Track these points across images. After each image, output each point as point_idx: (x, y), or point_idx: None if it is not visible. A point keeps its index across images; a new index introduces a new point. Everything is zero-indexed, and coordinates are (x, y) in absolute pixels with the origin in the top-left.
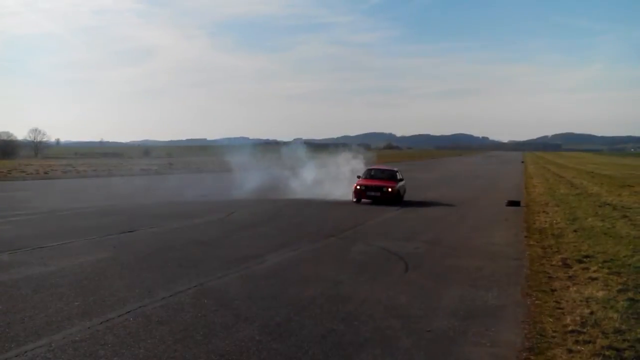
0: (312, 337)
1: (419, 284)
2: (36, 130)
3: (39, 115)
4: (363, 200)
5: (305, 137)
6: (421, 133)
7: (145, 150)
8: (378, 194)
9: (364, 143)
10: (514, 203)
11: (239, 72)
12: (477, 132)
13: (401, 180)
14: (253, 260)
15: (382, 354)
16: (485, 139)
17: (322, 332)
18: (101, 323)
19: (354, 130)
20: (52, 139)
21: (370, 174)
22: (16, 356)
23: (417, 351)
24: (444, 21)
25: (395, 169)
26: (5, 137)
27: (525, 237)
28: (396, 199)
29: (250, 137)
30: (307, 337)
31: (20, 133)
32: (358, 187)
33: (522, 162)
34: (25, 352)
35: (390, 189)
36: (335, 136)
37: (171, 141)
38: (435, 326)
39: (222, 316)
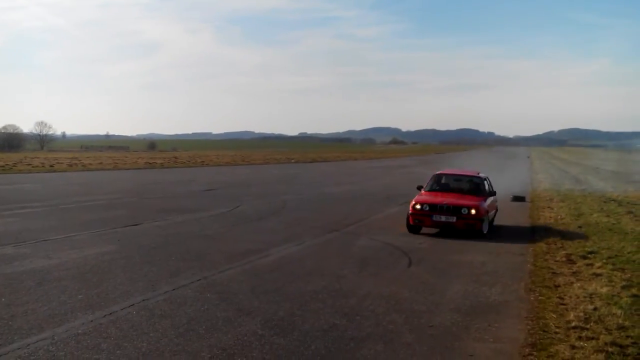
0: (315, 331)
1: (422, 279)
2: (42, 123)
3: (45, 108)
4: (425, 228)
5: (310, 131)
6: (426, 128)
7: (150, 143)
8: (453, 219)
9: (369, 137)
10: (519, 198)
11: (244, 66)
12: (483, 127)
13: (491, 194)
14: (256, 254)
15: (385, 349)
16: (491, 134)
17: (324, 326)
18: (104, 316)
19: (359, 125)
20: (58, 132)
21: (439, 184)
22: (19, 348)
23: (420, 346)
24: (449, 16)
25: (482, 175)
26: (11, 130)
27: (530, 232)
28: (482, 228)
29: (256, 132)
30: (310, 331)
31: (26, 126)
32: (418, 206)
33: (528, 157)
34: (28, 344)
35: (473, 211)
36: (340, 130)
37: (177, 135)
38: (438, 321)
39: (225, 310)
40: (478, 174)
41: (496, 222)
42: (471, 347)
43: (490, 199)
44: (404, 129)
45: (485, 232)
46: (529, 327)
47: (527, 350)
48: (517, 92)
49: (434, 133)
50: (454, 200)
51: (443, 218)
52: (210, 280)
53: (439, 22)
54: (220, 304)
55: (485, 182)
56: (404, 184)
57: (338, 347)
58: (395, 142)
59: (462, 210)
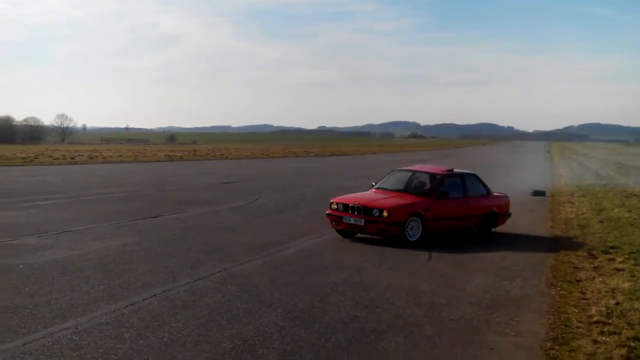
0: (335, 323)
1: (441, 273)
2: (63, 115)
3: (66, 101)
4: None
5: (329, 125)
6: (445, 122)
7: (170, 136)
8: (361, 222)
9: (388, 131)
10: (539, 193)
11: (261, 60)
12: (502, 121)
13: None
14: (276, 246)
15: (405, 342)
16: (510, 128)
17: (345, 318)
18: (126, 306)
19: (377, 119)
20: (79, 125)
21: (392, 181)
22: (42, 337)
23: (440, 339)
24: (469, 10)
25: (458, 171)
26: (32, 123)
27: (551, 227)
28: (401, 234)
29: (274, 125)
30: (330, 323)
31: (47, 118)
32: (334, 205)
33: (548, 151)
34: (52, 333)
35: (385, 213)
36: (359, 124)
37: (195, 128)
38: (458, 315)
39: (246, 302)
40: (445, 170)
41: (519, 216)
42: (492, 341)
43: (454, 201)
44: (422, 123)
45: (412, 240)
46: (550, 321)
47: (548, 344)
48: (536, 86)
49: (452, 127)
50: (368, 200)
51: (352, 220)
52: (230, 272)
53: (458, 16)
54: (241, 296)
55: (449, 179)
56: None
57: (359, 339)
58: (414, 136)
59: (374, 212)
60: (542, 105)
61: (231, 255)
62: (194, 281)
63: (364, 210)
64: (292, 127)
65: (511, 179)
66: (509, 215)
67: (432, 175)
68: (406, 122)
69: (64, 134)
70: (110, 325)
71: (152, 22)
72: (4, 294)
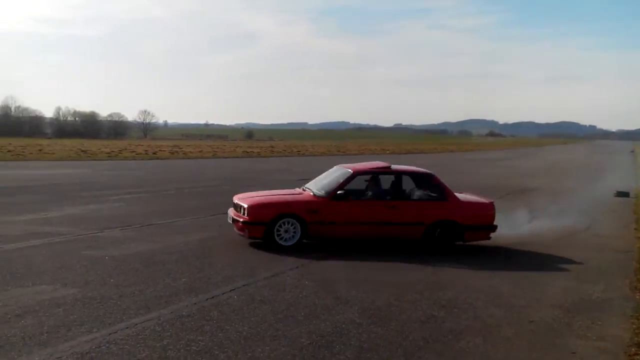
0: (412, 322)
1: (520, 274)
2: (145, 111)
3: (148, 97)
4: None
5: (404, 122)
6: (524, 120)
7: (248, 132)
8: (230, 220)
9: (465, 130)
10: (623, 194)
11: (339, 57)
12: (584, 120)
13: (340, 192)
14: (351, 244)
15: (484, 343)
16: (592, 127)
17: (422, 317)
18: (207, 299)
19: (454, 117)
20: (160, 121)
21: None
22: (127, 328)
23: (520, 341)
24: (549, 6)
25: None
26: (116, 118)
27: (635, 229)
28: (260, 236)
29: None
30: (407, 322)
31: (130, 114)
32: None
33: (632, 151)
34: (136, 324)
35: (246, 212)
36: (435, 122)
37: (273, 124)
38: (538, 317)
39: (323, 298)
40: (369, 167)
41: (601, 217)
42: (573, 344)
43: (370, 202)
44: (501, 122)
45: (287, 245)
46: (634, 326)
47: (633, 349)
48: (619, 83)
49: (532, 126)
50: (244, 197)
51: (229, 218)
52: (308, 268)
53: (538, 12)
54: (319, 292)
55: (364, 177)
56: (504, 177)
57: (436, 339)
58: (492, 134)
59: (240, 210)
60: (626, 104)
61: (308, 252)
62: (272, 276)
63: (235, 206)
64: (368, 125)
65: (592, 180)
66: (489, 228)
67: (344, 173)
68: (484, 120)
69: (146, 129)
70: (192, 317)
71: (232, 20)
72: (90, 285)
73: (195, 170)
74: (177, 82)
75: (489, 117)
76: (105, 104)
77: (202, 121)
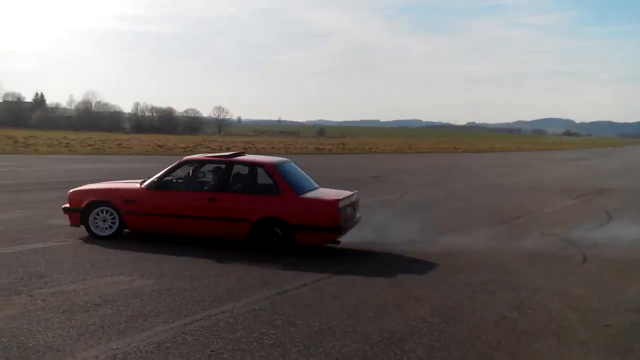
0: (484, 322)
1: (597, 276)
2: (220, 108)
3: (222, 93)
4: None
5: (478, 121)
6: (602, 119)
7: (320, 129)
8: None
9: (540, 128)
10: None
11: (412, 54)
12: None
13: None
14: (423, 242)
15: (558, 345)
16: None
17: (494, 318)
18: (279, 294)
19: (528, 115)
20: (234, 117)
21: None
22: (201, 319)
23: (596, 345)
24: (629, 2)
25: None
26: (192, 114)
27: None
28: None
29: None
30: (479, 322)
31: (205, 110)
32: None
33: None
34: (210, 316)
35: (68, 200)
36: (509, 121)
37: (345, 121)
38: (615, 321)
39: (394, 295)
40: (205, 156)
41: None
42: None
43: (193, 193)
44: (577, 121)
45: (103, 235)
46: None
47: None
48: None
49: (610, 125)
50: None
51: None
52: (379, 264)
53: (618, 8)
54: (389, 289)
55: (191, 166)
56: (578, 178)
57: (509, 340)
58: (567, 133)
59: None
60: None
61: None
62: (343, 274)
63: None
64: (441, 123)
65: None
66: (328, 230)
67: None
68: (559, 119)
69: (220, 125)
70: (264, 311)
71: (305, 17)
72: (166, 277)
73: None
74: (251, 78)
75: (564, 116)
76: (180, 99)
77: (275, 117)
